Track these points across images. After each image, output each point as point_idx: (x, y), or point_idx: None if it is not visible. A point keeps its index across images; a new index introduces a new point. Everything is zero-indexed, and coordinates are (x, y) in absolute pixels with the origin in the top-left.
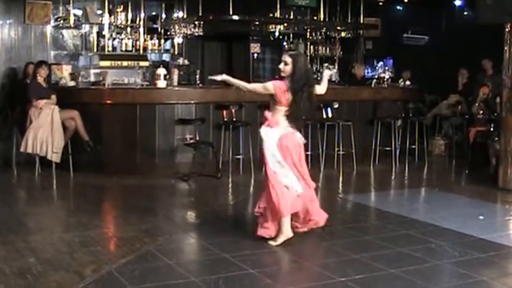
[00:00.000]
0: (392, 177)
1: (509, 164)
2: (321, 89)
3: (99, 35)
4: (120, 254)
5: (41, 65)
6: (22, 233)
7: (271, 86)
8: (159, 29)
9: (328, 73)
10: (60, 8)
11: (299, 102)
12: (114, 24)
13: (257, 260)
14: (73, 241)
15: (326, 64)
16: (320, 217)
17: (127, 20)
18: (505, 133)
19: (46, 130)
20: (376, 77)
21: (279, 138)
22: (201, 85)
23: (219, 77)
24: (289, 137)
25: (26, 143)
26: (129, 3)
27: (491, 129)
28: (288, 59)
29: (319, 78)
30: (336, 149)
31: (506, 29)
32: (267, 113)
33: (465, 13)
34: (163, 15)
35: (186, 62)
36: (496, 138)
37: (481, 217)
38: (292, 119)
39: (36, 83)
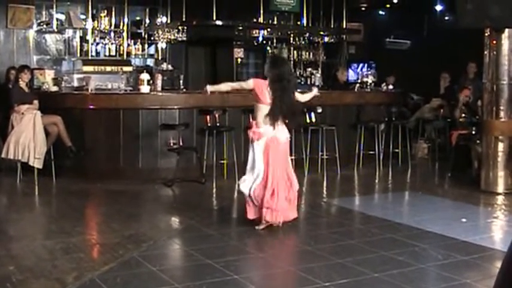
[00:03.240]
0: (376, 181)
1: (491, 167)
2: (302, 97)
3: (83, 39)
4: (102, 260)
5: (23, 70)
6: (2, 240)
7: (251, 82)
8: (143, 34)
9: (316, 93)
10: (43, 13)
11: (277, 101)
12: (97, 29)
13: (241, 266)
14: (55, 248)
15: (316, 86)
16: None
17: (110, 25)
18: (487, 136)
19: (28, 135)
20: (359, 81)
21: (265, 146)
22: (184, 90)
23: (209, 90)
24: (274, 142)
25: (7, 149)
26: (113, 8)
27: (473, 132)
28: (267, 61)
29: (302, 82)
30: (320, 153)
31: (486, 34)
32: (253, 129)
33: (446, 18)
34: (147, 20)
35: (170, 67)
36: (478, 141)
37: (464, 220)
38: (272, 117)
39: (18, 88)
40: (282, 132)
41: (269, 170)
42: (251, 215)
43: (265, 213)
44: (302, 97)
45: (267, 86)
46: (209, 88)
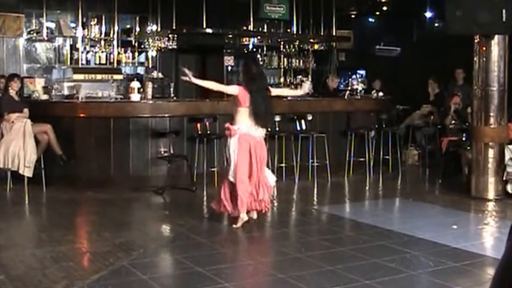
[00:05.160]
0: (367, 187)
1: (482, 173)
2: (294, 92)
3: (73, 48)
4: (93, 269)
5: (13, 78)
6: None
7: (236, 88)
8: (133, 42)
9: (308, 86)
10: (33, 21)
11: (254, 102)
12: (87, 37)
13: (232, 274)
14: (45, 257)
15: (305, 78)
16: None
17: (101, 33)
18: (477, 142)
19: (18, 144)
20: (349, 88)
21: (239, 138)
22: (175, 98)
23: (191, 78)
24: (247, 136)
25: None
26: (103, 16)
27: (463, 138)
28: (242, 68)
29: (292, 88)
30: (310, 160)
31: (476, 40)
32: (229, 126)
33: (436, 24)
34: (137, 28)
35: (160, 75)
36: (468, 148)
37: (455, 226)
38: (252, 117)
39: (8, 96)
40: (256, 131)
41: (238, 163)
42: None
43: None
44: (292, 92)
45: (246, 92)
46: (192, 77)
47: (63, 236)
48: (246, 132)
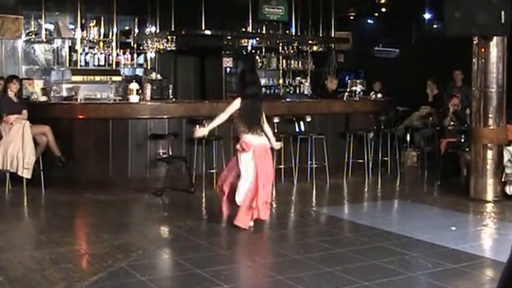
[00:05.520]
0: (365, 189)
1: (480, 174)
2: (271, 139)
3: (72, 49)
4: (92, 271)
5: (11, 80)
6: None
7: (238, 102)
8: (132, 44)
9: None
10: (32, 23)
11: (245, 106)
12: (86, 38)
13: (231, 275)
14: (44, 259)
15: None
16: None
17: (99, 35)
18: (475, 144)
19: (17, 145)
20: (348, 90)
21: (253, 152)
22: (173, 100)
23: (200, 134)
24: (259, 149)
25: None
26: (102, 18)
27: (462, 140)
28: (241, 76)
29: (291, 92)
30: (309, 162)
31: (474, 42)
32: (245, 142)
33: (435, 26)
34: (136, 30)
35: (159, 76)
36: (467, 149)
37: (454, 228)
38: (246, 125)
39: (6, 98)
40: (265, 139)
41: (258, 173)
42: (226, 211)
43: (257, 212)
44: (271, 137)
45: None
46: (202, 132)
47: (61, 237)
48: (258, 144)
